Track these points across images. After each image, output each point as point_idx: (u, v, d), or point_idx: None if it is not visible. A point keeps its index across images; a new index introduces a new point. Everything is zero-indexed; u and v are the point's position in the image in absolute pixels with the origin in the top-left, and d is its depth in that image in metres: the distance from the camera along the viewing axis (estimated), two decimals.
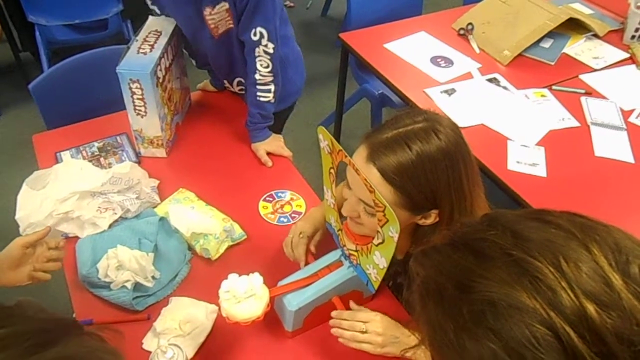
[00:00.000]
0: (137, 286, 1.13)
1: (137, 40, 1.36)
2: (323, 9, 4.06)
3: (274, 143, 1.54)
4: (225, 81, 1.66)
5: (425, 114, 0.95)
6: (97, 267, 1.13)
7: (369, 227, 0.97)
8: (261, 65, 1.42)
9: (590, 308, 0.43)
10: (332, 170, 1.05)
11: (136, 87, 1.32)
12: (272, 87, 1.46)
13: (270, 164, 1.50)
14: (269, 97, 1.47)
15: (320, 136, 1.00)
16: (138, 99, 1.35)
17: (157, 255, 1.20)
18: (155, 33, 1.40)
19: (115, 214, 1.29)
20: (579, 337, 0.42)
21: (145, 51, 1.34)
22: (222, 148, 1.55)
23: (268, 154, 1.52)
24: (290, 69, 1.60)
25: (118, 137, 1.56)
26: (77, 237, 1.25)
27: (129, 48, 1.36)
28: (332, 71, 2.40)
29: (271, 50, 1.40)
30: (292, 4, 4.15)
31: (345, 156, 0.93)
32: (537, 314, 0.44)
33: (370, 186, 0.86)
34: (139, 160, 1.48)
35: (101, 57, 1.68)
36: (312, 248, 1.18)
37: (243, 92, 1.65)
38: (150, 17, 1.45)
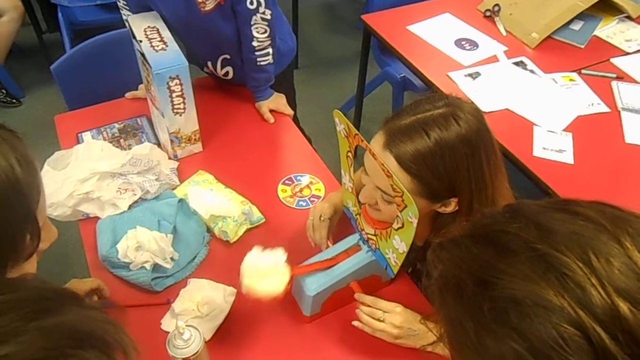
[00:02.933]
0: (156, 267, 1.13)
1: (141, 41, 1.30)
2: None
3: (276, 101, 1.61)
4: (210, 63, 1.59)
5: (446, 99, 0.91)
6: (117, 248, 1.14)
7: (387, 214, 0.95)
8: (258, 32, 1.43)
9: (624, 307, 0.40)
10: (349, 154, 1.03)
11: (175, 84, 1.29)
12: (270, 49, 1.49)
13: (272, 120, 1.58)
14: (268, 59, 1.50)
15: (337, 119, 0.99)
16: (177, 96, 1.32)
17: (176, 237, 1.20)
18: (151, 29, 1.34)
19: (135, 195, 1.29)
20: (610, 338, 0.39)
21: (162, 47, 1.29)
22: (240, 133, 1.54)
23: (271, 111, 1.58)
24: (280, 29, 1.59)
25: (138, 119, 1.56)
26: (97, 218, 1.25)
27: (139, 52, 1.31)
28: (354, 54, 2.36)
29: (268, 17, 1.42)
30: None
31: (362, 140, 0.92)
32: (565, 313, 0.41)
33: (388, 171, 0.84)
34: (178, 165, 1.40)
35: (122, 38, 1.67)
36: (328, 243, 1.16)
37: (227, 76, 1.62)
38: (130, 18, 1.38)
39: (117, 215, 1.24)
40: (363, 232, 1.07)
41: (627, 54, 1.95)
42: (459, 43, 1.97)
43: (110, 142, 1.44)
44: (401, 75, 2.36)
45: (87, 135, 1.48)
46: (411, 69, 1.91)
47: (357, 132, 0.92)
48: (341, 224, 1.20)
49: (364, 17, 2.13)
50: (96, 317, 0.47)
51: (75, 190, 1.25)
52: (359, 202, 1.05)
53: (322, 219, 1.15)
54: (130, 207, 1.27)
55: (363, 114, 2.61)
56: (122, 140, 1.49)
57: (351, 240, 1.10)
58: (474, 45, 1.96)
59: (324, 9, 3.90)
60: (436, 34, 2.01)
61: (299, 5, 2.99)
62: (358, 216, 1.08)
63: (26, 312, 0.43)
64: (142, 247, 1.13)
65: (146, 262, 1.11)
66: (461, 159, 0.87)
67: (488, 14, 2.12)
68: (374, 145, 0.92)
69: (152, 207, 1.25)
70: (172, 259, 1.15)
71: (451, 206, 0.94)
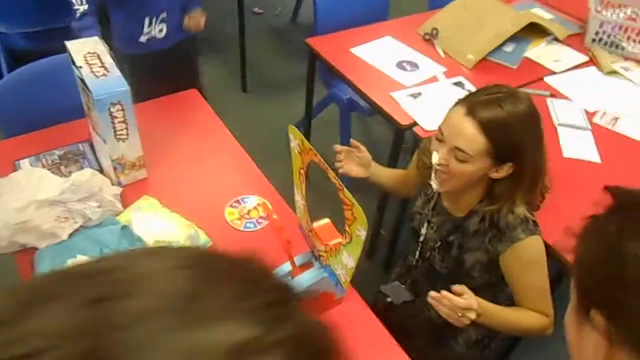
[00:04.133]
0: None
1: (80, 67, 1.27)
2: (292, 15, 4.06)
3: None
4: (147, 20, 1.87)
5: (506, 87, 1.13)
6: None
7: (457, 175, 1.12)
8: None
9: None
10: (302, 171, 1.04)
11: (117, 110, 1.27)
12: None
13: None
14: None
15: (291, 135, 1.00)
16: (120, 122, 1.29)
17: None
18: (91, 55, 1.32)
19: (76, 222, 1.25)
20: None
21: (103, 72, 1.27)
22: (186, 157, 1.53)
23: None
24: None
25: (80, 145, 1.52)
26: (35, 248, 1.21)
27: (79, 78, 1.28)
28: (302, 77, 2.40)
29: None
30: (261, 11, 4.14)
31: (316, 155, 0.94)
32: None
33: (340, 184, 0.87)
34: (121, 191, 1.37)
35: (60, 64, 1.63)
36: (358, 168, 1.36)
37: (161, 34, 1.94)
38: (69, 43, 1.34)
39: (56, 245, 1.20)
40: (314, 249, 1.08)
41: (555, 73, 2.08)
42: (400, 65, 2.04)
43: (50, 170, 1.39)
44: (347, 96, 2.41)
45: (24, 163, 1.43)
46: (355, 90, 1.96)
47: (311, 147, 0.95)
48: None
49: (308, 40, 2.17)
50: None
51: (12, 220, 1.20)
52: (310, 220, 1.06)
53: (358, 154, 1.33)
54: (70, 235, 1.23)
55: (312, 137, 2.64)
56: (62, 167, 1.45)
57: (305, 256, 1.11)
58: (414, 66, 2.04)
59: (272, 33, 3.95)
60: (378, 56, 2.07)
61: (246, 29, 3.03)
62: (310, 233, 1.09)
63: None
64: None
65: None
66: (527, 130, 1.09)
67: (427, 37, 2.21)
68: (454, 115, 1.10)
69: (94, 234, 1.22)
70: None
71: (503, 171, 1.12)
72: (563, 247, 0.53)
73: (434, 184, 1.18)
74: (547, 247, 1.34)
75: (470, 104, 1.09)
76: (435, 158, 1.14)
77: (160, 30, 1.94)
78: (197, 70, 2.29)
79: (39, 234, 1.22)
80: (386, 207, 2.15)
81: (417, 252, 1.36)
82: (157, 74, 1.93)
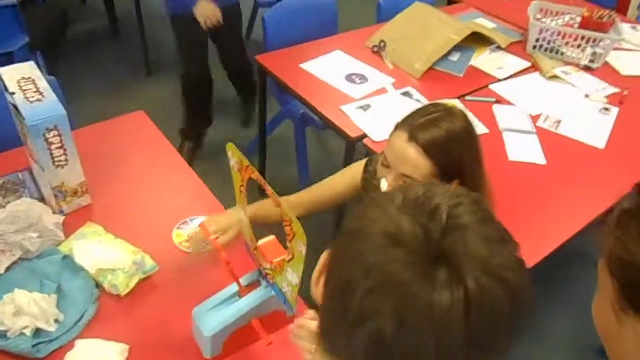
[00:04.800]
0: (38, 332, 1.05)
1: (13, 93, 1.23)
2: (245, 34, 4.06)
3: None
4: None
5: (440, 105, 1.15)
6: None
7: None
8: None
9: None
10: (242, 188, 1.02)
11: (53, 136, 1.22)
12: None
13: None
14: None
15: (229, 153, 0.99)
16: (57, 148, 1.25)
17: (61, 296, 1.12)
18: (26, 80, 1.28)
19: (14, 255, 1.20)
20: None
21: (37, 97, 1.23)
22: (131, 180, 1.49)
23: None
24: None
25: (19, 174, 1.46)
26: None
27: (12, 104, 1.24)
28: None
29: None
30: None
31: (254, 172, 0.92)
32: None
33: (277, 201, 0.86)
34: (64, 219, 1.32)
35: None
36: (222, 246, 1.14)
37: None
38: (1, 70, 1.29)
39: None
40: (261, 268, 1.06)
41: (499, 80, 2.14)
42: (349, 78, 2.06)
43: None
44: (301, 111, 2.41)
45: None
46: (306, 105, 1.96)
47: (248, 163, 0.93)
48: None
49: (258, 57, 2.17)
50: None
51: None
52: (255, 237, 1.04)
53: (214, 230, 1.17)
54: (8, 269, 1.17)
55: (268, 153, 2.63)
56: (0, 198, 1.38)
57: (252, 276, 1.09)
58: (363, 79, 2.06)
59: None
60: (328, 70, 2.09)
61: None
62: (255, 251, 1.07)
63: None
64: (20, 311, 1.04)
65: (26, 327, 1.03)
66: (466, 146, 1.12)
67: (375, 49, 2.25)
68: (396, 141, 1.11)
69: (34, 267, 1.17)
70: (56, 320, 1.07)
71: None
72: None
73: None
74: None
75: (411, 127, 1.10)
76: (384, 185, 1.14)
77: None
78: (240, 35, 2.84)
79: None
80: (344, 220, 2.14)
81: None
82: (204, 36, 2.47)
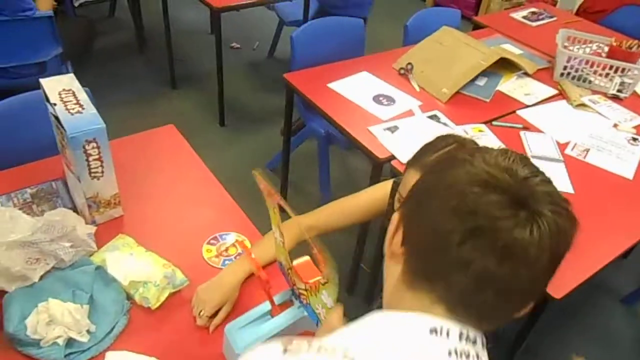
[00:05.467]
0: (70, 342, 1.05)
1: (55, 104, 1.26)
2: (269, 51, 4.12)
3: None
4: None
5: (450, 137, 1.11)
6: (26, 324, 1.05)
7: None
8: None
9: None
10: (275, 210, 1.03)
11: (92, 148, 1.25)
12: None
13: None
14: None
15: (257, 180, 1.00)
16: (94, 159, 1.27)
17: (93, 307, 1.13)
18: (66, 92, 1.31)
19: (48, 264, 1.21)
20: None
21: (78, 109, 1.26)
22: (163, 194, 1.50)
23: None
24: None
25: (53, 183, 1.49)
26: (4, 292, 1.16)
27: (53, 115, 1.27)
28: (280, 110, 2.42)
29: None
30: (238, 46, 4.20)
31: (281, 199, 0.93)
32: None
33: (303, 233, 0.87)
34: (96, 230, 1.33)
35: (31, 100, 1.62)
36: (211, 328, 1.13)
37: None
38: (43, 81, 1.33)
39: (26, 288, 1.15)
40: (295, 287, 1.07)
41: (527, 106, 2.14)
42: (377, 99, 2.07)
43: (21, 209, 1.35)
44: (325, 130, 2.43)
45: None
46: (333, 124, 1.97)
47: (276, 190, 0.94)
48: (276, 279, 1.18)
49: (286, 75, 2.20)
50: None
51: None
52: (290, 257, 1.05)
53: (201, 314, 1.13)
54: (42, 277, 1.19)
55: (291, 170, 2.64)
56: (34, 206, 1.41)
57: (284, 295, 1.09)
58: (391, 100, 2.07)
59: (249, 67, 3.99)
60: (355, 91, 2.11)
61: (224, 64, 3.05)
62: (289, 271, 1.08)
63: None
64: (54, 321, 1.05)
65: (59, 337, 1.04)
66: None
67: (402, 71, 2.26)
68: (411, 179, 1.07)
69: (67, 276, 1.18)
70: (88, 331, 1.08)
71: None
72: None
73: None
74: None
75: (423, 167, 1.08)
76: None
77: None
78: None
79: (8, 277, 1.17)
80: (367, 239, 2.14)
81: None
82: None
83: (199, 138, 3.09)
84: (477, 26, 2.93)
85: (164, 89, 3.57)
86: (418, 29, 2.57)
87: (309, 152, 2.84)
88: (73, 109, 1.27)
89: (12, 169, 1.52)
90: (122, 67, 3.77)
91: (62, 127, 1.22)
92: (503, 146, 1.83)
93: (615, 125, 2.07)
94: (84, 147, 1.23)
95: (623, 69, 2.25)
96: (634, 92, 2.30)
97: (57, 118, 1.25)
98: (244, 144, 3.16)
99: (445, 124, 1.96)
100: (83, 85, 1.37)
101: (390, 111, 2.00)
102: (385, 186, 1.39)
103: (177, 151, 1.66)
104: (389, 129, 1.90)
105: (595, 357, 2.25)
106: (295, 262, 1.04)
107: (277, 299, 1.07)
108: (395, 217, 0.69)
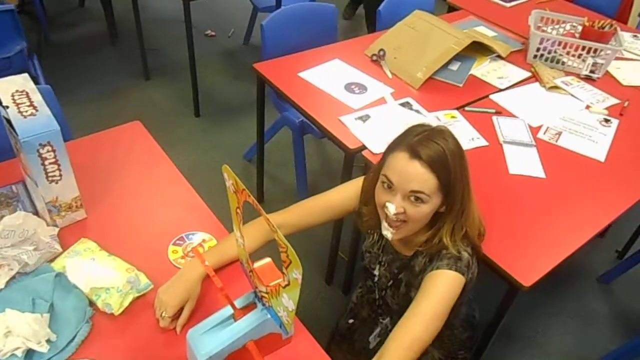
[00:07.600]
0: (30, 353, 1.03)
1: (7, 107, 1.21)
2: (245, 38, 4.05)
3: None
4: None
5: (425, 124, 1.17)
6: None
7: (414, 219, 1.14)
8: None
9: None
10: (238, 210, 1.01)
11: (47, 151, 1.20)
12: None
13: None
14: None
15: (225, 175, 0.97)
16: (50, 163, 1.23)
17: (54, 316, 1.10)
18: (20, 94, 1.26)
19: (12, 269, 1.18)
20: None
21: (31, 112, 1.21)
22: (127, 194, 1.47)
23: None
24: None
25: (13, 187, 1.44)
26: None
27: (5, 118, 1.22)
28: (254, 100, 2.38)
29: None
30: (213, 33, 4.12)
31: (249, 196, 0.91)
32: None
33: (273, 226, 0.84)
34: (58, 232, 1.31)
35: None
36: (178, 329, 1.12)
37: None
38: None
39: None
40: (257, 290, 1.05)
41: (500, 90, 2.12)
42: (348, 87, 2.04)
43: None
44: (299, 119, 2.40)
45: None
46: (304, 115, 1.94)
47: (244, 187, 0.92)
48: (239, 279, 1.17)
49: (256, 65, 2.15)
50: None
51: None
52: (250, 259, 1.03)
53: (163, 315, 1.11)
54: (7, 283, 1.15)
55: (267, 159, 2.61)
56: None
57: (248, 297, 1.07)
58: (362, 88, 2.04)
59: (224, 55, 3.92)
60: (327, 80, 2.07)
61: (198, 52, 2.99)
62: (251, 273, 1.06)
63: None
64: (12, 332, 1.03)
65: (17, 348, 1.01)
66: (458, 163, 1.13)
67: (374, 58, 2.23)
68: (398, 161, 1.13)
69: (26, 285, 1.15)
70: (48, 341, 1.05)
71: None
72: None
73: (388, 233, 1.18)
74: (494, 264, 1.35)
75: (409, 146, 1.12)
76: (393, 209, 1.14)
77: None
78: None
79: None
80: (342, 227, 2.13)
81: (376, 293, 1.38)
82: None
83: (173, 130, 3.05)
84: (451, 8, 2.89)
85: (137, 81, 3.50)
86: (391, 13, 2.53)
87: (286, 141, 2.81)
88: (26, 111, 1.22)
89: None
90: (93, 59, 3.69)
91: (15, 131, 1.18)
92: (476, 132, 1.84)
93: (587, 107, 2.07)
94: (38, 151, 1.19)
95: (595, 50, 2.24)
96: (607, 73, 2.30)
97: (9, 122, 1.21)
98: (220, 134, 3.12)
99: (417, 111, 1.94)
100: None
101: (362, 100, 1.97)
102: (356, 184, 1.37)
103: (143, 148, 1.63)
104: (360, 118, 1.87)
105: (572, 334, 2.28)
106: (256, 265, 1.03)
107: (239, 302, 1.05)
108: None
